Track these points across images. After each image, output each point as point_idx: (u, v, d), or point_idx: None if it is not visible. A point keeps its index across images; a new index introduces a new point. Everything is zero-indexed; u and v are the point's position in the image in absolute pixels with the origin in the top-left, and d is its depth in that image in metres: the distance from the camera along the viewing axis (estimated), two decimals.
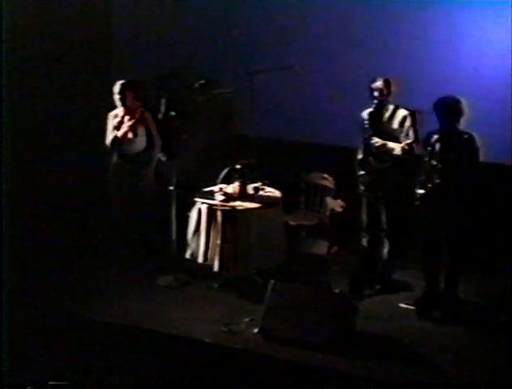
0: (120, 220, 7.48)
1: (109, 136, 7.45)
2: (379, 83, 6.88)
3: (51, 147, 8.48)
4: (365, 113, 7.00)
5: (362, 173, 7.01)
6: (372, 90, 6.91)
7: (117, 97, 7.44)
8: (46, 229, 7.83)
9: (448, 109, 6.41)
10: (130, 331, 6.36)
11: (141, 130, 7.48)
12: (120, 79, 7.49)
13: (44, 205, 8.08)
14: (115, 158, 7.50)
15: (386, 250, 7.11)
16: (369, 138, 6.94)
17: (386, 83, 6.87)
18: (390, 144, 6.86)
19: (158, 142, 7.51)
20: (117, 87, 7.43)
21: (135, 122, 7.41)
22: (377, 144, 6.92)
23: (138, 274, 7.32)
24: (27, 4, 8.12)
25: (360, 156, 7.02)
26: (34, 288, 6.89)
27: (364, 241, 7.19)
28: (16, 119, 6.99)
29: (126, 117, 7.44)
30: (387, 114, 6.95)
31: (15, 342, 5.93)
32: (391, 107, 6.94)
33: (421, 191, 6.49)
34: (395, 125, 6.92)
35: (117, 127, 7.41)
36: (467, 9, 7.77)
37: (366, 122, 6.97)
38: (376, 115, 6.94)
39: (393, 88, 6.90)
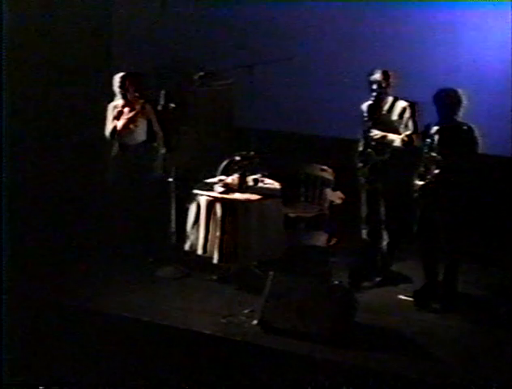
0: (119, 212, 7.50)
1: (109, 127, 7.46)
2: (377, 76, 6.86)
3: (51, 139, 8.49)
4: (364, 106, 7.00)
5: (361, 165, 7.01)
6: (370, 82, 6.90)
7: (117, 90, 7.45)
8: (46, 221, 7.84)
9: (447, 100, 6.41)
10: (130, 323, 6.36)
11: (142, 122, 7.50)
12: (120, 71, 7.49)
13: (43, 197, 8.09)
14: (115, 150, 7.51)
15: (385, 243, 7.12)
16: (368, 131, 6.93)
17: (385, 75, 6.85)
18: (390, 136, 6.86)
19: (160, 134, 7.53)
20: (116, 80, 7.44)
21: (136, 114, 7.42)
22: (376, 137, 6.91)
23: (137, 265, 7.34)
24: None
25: (359, 149, 7.02)
26: (34, 280, 6.92)
27: (364, 233, 7.19)
28: (15, 114, 7.01)
29: (127, 109, 7.45)
30: (386, 106, 6.94)
31: (16, 332, 5.94)
32: (390, 99, 6.92)
33: (420, 183, 6.49)
34: (395, 116, 6.91)
35: (118, 119, 7.42)
36: (468, 1, 7.76)
37: (365, 115, 6.96)
38: (375, 107, 6.93)
39: (391, 80, 6.88)
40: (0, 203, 6.08)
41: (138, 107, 7.44)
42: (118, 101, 7.48)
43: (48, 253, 7.42)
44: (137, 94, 7.44)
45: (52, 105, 8.57)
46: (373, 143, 6.93)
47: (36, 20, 8.32)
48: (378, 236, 7.13)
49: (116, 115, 7.43)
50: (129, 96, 7.45)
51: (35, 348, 6.10)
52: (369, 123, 6.92)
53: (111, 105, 7.49)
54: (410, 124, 6.83)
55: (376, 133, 6.91)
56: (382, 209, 7.03)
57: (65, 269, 7.25)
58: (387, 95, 6.91)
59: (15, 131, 6.98)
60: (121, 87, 7.43)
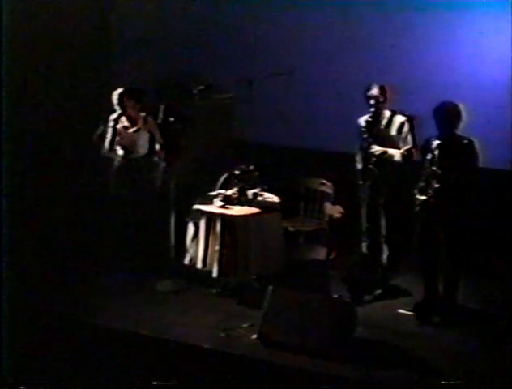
0: (119, 225, 7.51)
1: (108, 139, 7.47)
2: (375, 91, 6.88)
3: (51, 152, 8.50)
4: (362, 121, 7.01)
5: (362, 182, 7.01)
6: (368, 98, 6.91)
7: (116, 105, 7.46)
8: (46, 233, 7.83)
9: (446, 114, 6.41)
10: (129, 336, 6.35)
11: (144, 135, 7.53)
12: (120, 85, 7.53)
13: (44, 210, 8.08)
14: (116, 163, 7.52)
15: (385, 256, 7.11)
16: (369, 147, 6.93)
17: (382, 90, 6.87)
18: (390, 151, 6.87)
19: (162, 147, 7.54)
20: (115, 96, 7.45)
21: (137, 130, 7.45)
22: (377, 152, 6.92)
23: (137, 279, 7.33)
24: (26, 15, 8.15)
25: (360, 165, 7.02)
26: (34, 293, 6.91)
27: (364, 247, 7.19)
28: (16, 123, 7.02)
29: (128, 123, 7.47)
30: (384, 121, 6.95)
31: (15, 349, 5.93)
32: (388, 113, 6.94)
33: (422, 197, 6.48)
34: (393, 131, 6.92)
35: (119, 132, 7.44)
36: (467, 14, 7.78)
37: (364, 130, 6.97)
38: (373, 122, 6.94)
39: (389, 95, 6.90)
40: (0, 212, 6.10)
41: (139, 121, 7.47)
42: (119, 114, 7.49)
43: (47, 265, 7.41)
44: (138, 106, 7.46)
45: (52, 113, 8.58)
46: (373, 159, 6.94)
47: (35, 31, 8.31)
48: (378, 249, 7.13)
49: (117, 129, 7.44)
50: (129, 111, 7.47)
51: (34, 362, 6.07)
52: (370, 139, 6.93)
53: (111, 118, 7.50)
54: (409, 138, 6.84)
55: (377, 149, 6.92)
56: (383, 222, 7.03)
57: (64, 281, 7.24)
58: (385, 109, 6.93)
59: (15, 138, 6.99)
60: (119, 102, 7.45)
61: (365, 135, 6.95)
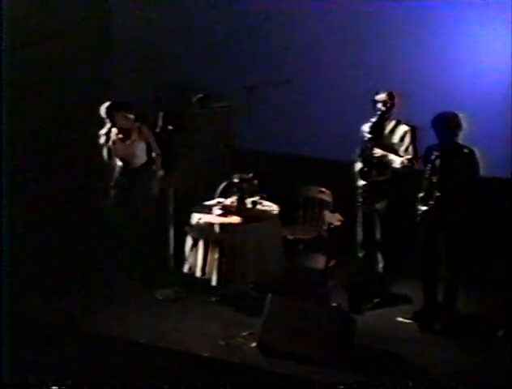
0: (118, 234, 7.50)
1: (104, 152, 7.45)
2: (383, 95, 6.90)
3: (51, 153, 8.51)
4: (366, 126, 6.99)
5: (362, 183, 7.01)
6: (375, 102, 6.92)
7: (106, 119, 7.42)
8: (45, 241, 7.84)
9: (446, 124, 6.40)
10: (128, 344, 6.35)
11: (141, 145, 7.52)
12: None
13: (44, 216, 8.10)
14: (116, 173, 7.51)
15: (380, 265, 7.12)
16: (371, 149, 6.93)
17: (390, 95, 6.90)
18: (391, 156, 6.87)
19: (159, 155, 7.54)
20: (103, 110, 7.41)
21: (133, 142, 7.44)
22: (377, 154, 6.92)
23: (136, 287, 7.32)
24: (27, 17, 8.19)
25: (359, 166, 7.01)
26: (33, 300, 6.94)
27: (361, 255, 7.20)
28: (17, 123, 7.03)
29: (120, 135, 7.43)
30: (388, 128, 6.96)
31: (15, 352, 5.93)
32: (393, 122, 6.95)
33: (423, 208, 6.46)
34: (396, 139, 6.92)
35: (116, 146, 7.44)
36: (466, 23, 7.80)
37: (367, 133, 6.95)
38: (378, 127, 6.94)
39: (396, 101, 6.91)
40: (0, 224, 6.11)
41: (134, 132, 7.45)
42: (108, 128, 7.45)
43: (47, 273, 7.41)
44: (132, 117, 7.40)
45: (53, 120, 8.60)
46: (374, 162, 6.94)
47: (35, 32, 8.33)
48: (374, 259, 7.13)
49: (114, 141, 7.43)
50: (121, 123, 7.42)
51: (32, 367, 6.07)
52: (372, 142, 6.92)
53: (101, 133, 7.45)
54: (410, 148, 6.85)
55: (377, 151, 6.92)
56: (378, 231, 7.03)
57: (63, 290, 7.23)
58: (391, 116, 6.93)
59: (15, 141, 7.01)
60: (108, 116, 7.41)
61: (369, 137, 6.94)
